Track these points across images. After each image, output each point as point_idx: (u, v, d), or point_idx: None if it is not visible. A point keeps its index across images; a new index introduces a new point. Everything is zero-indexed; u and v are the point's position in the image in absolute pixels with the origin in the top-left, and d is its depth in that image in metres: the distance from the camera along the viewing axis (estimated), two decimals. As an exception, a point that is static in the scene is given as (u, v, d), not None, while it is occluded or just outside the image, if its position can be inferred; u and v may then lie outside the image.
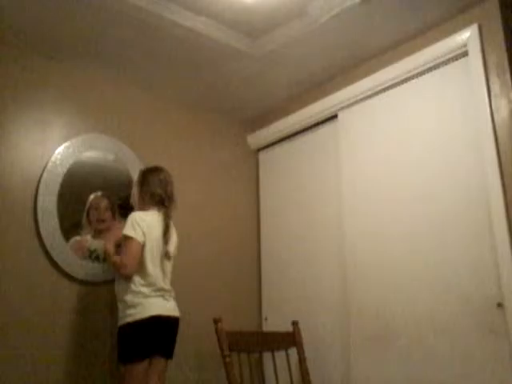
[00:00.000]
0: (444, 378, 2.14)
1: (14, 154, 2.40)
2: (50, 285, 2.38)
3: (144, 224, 2.23)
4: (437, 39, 2.40)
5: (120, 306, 2.23)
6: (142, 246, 2.21)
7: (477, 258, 2.13)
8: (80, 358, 2.39)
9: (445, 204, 2.28)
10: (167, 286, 2.28)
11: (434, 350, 2.20)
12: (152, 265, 2.22)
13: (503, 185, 2.08)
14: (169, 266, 2.33)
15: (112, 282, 2.53)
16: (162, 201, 2.35)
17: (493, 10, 2.23)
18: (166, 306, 2.23)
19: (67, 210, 2.48)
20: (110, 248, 2.31)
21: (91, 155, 2.64)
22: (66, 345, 2.36)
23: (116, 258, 2.23)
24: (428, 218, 2.33)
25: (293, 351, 2.55)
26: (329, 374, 2.66)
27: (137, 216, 2.26)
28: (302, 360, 2.55)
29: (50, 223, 2.41)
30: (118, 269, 2.21)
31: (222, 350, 2.30)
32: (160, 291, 2.22)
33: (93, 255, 2.54)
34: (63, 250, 2.43)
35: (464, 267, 2.17)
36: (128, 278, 2.19)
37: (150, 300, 2.18)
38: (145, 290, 2.18)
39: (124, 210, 2.50)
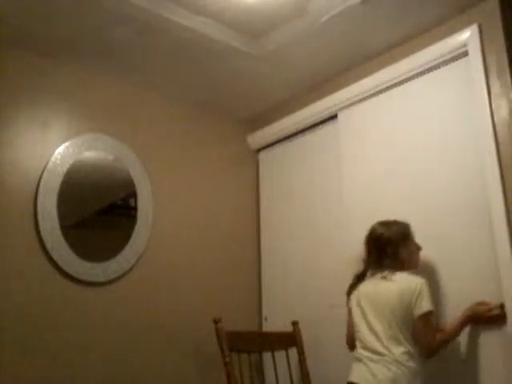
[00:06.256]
0: (443, 377, 2.14)
1: (14, 154, 2.40)
2: (49, 285, 2.37)
3: None
4: (437, 39, 2.40)
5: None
6: None
7: (477, 258, 2.13)
8: (80, 357, 2.39)
9: (445, 204, 2.28)
10: (379, 349, 1.98)
11: (434, 349, 2.20)
12: None
13: (503, 185, 2.08)
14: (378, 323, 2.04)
15: (112, 281, 2.54)
16: None
17: (493, 10, 2.22)
18: (354, 372, 2.03)
19: (67, 210, 2.47)
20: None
21: (91, 155, 2.64)
22: (66, 344, 2.36)
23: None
24: (428, 217, 2.33)
25: (293, 351, 2.55)
26: (329, 374, 2.65)
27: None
28: (302, 360, 2.55)
29: (49, 223, 2.40)
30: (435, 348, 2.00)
31: (222, 349, 2.30)
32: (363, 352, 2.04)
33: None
34: (63, 250, 2.42)
35: (464, 267, 2.16)
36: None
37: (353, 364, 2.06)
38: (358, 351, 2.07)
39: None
